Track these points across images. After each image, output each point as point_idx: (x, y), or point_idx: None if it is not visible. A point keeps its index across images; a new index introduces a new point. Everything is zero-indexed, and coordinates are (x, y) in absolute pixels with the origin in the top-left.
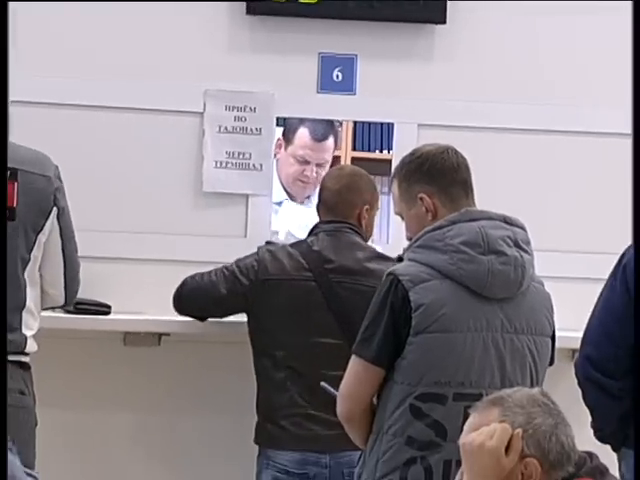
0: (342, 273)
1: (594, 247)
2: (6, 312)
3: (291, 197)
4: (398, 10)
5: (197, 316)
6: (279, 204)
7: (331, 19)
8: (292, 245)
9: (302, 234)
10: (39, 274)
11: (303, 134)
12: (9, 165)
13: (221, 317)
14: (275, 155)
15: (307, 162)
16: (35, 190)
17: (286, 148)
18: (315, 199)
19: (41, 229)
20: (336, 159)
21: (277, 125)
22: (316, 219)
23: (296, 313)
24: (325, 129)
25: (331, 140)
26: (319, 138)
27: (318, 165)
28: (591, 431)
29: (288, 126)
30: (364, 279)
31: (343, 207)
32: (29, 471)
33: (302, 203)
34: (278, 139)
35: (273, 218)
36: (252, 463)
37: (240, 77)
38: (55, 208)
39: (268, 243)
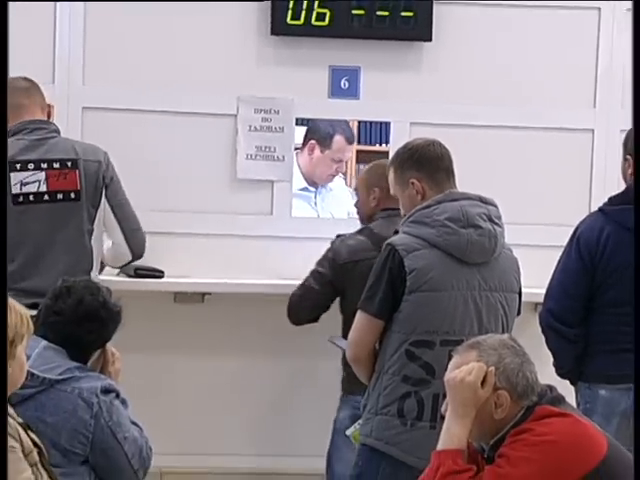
0: None
1: (554, 221)
2: (6, 312)
3: (313, 184)
4: (393, 30)
5: (310, 319)
6: (306, 190)
7: (339, 38)
8: (358, 232)
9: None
10: (104, 238)
11: (340, 140)
12: (71, 157)
13: (325, 310)
14: (308, 153)
15: (341, 160)
16: (91, 173)
17: (322, 151)
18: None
19: (98, 204)
20: None
21: (296, 124)
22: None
23: None
24: (352, 133)
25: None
26: (351, 141)
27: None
28: (551, 368)
29: (323, 134)
30: None
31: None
32: (134, 420)
33: (324, 184)
34: (311, 144)
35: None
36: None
37: (266, 86)
38: (104, 185)
39: (338, 236)
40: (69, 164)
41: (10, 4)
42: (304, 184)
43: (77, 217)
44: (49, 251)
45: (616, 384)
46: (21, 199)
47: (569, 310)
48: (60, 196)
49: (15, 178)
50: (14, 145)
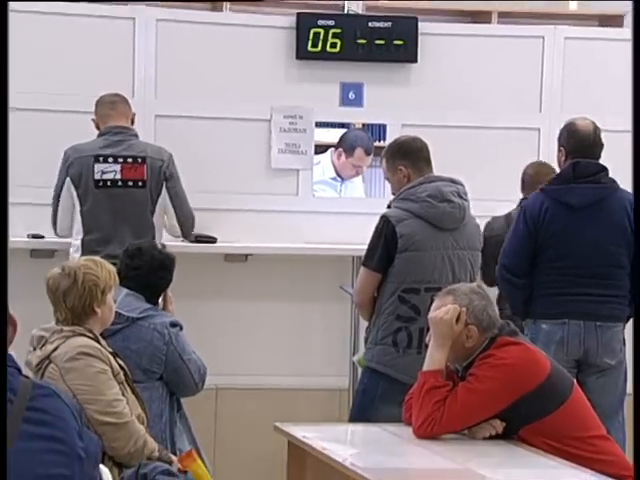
0: None
1: (508, 197)
2: (6, 311)
3: (340, 177)
4: (388, 55)
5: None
6: (334, 180)
7: (347, 61)
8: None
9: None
10: (164, 218)
11: (360, 152)
12: (141, 154)
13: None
14: (338, 157)
15: (360, 166)
16: (155, 168)
17: (347, 158)
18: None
19: (160, 192)
20: None
21: (315, 127)
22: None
23: None
24: (371, 147)
25: (372, 154)
26: (369, 152)
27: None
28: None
29: (348, 145)
30: None
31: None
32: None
33: (349, 179)
34: (339, 149)
35: (332, 188)
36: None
37: (292, 97)
38: (165, 180)
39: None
40: (139, 160)
41: (99, 36)
42: (334, 175)
43: (142, 200)
44: (121, 225)
45: (553, 319)
46: (100, 184)
47: (518, 265)
48: (130, 183)
49: (97, 168)
50: (99, 143)
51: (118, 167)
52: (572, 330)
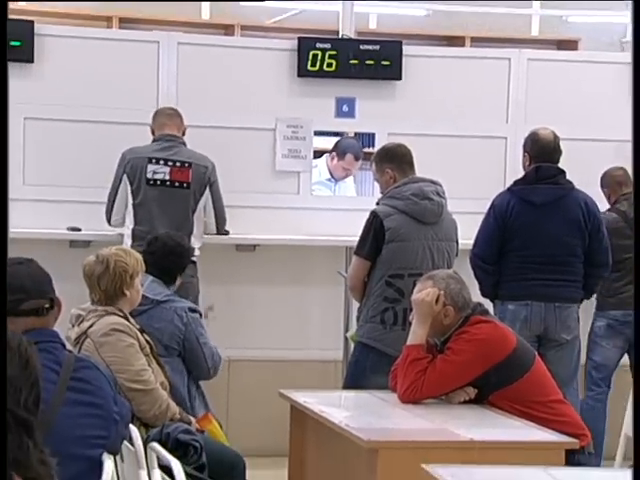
0: None
1: (480, 196)
2: (6, 311)
3: (335, 179)
4: (376, 73)
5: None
6: (329, 180)
7: (342, 78)
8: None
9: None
10: (203, 217)
11: (350, 157)
12: (187, 160)
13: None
14: (332, 161)
15: (349, 169)
16: (199, 173)
17: (338, 161)
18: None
19: (202, 194)
20: None
21: (314, 135)
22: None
23: None
24: (360, 153)
25: (360, 159)
26: (358, 158)
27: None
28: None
29: (341, 150)
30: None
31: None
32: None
33: (340, 180)
34: (332, 153)
35: (327, 188)
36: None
37: (294, 109)
38: (209, 184)
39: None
40: (186, 165)
41: (128, 57)
42: (329, 176)
43: (186, 199)
44: (163, 219)
45: (518, 301)
46: (152, 182)
47: (488, 254)
48: (177, 184)
49: (150, 168)
50: (153, 147)
51: (167, 169)
52: (534, 310)
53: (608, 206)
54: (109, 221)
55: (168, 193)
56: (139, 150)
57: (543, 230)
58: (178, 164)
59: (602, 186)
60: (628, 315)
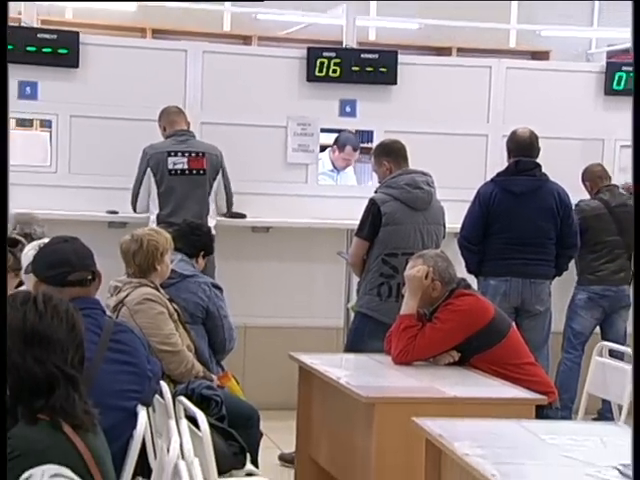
0: None
1: (465, 186)
2: (6, 311)
3: (337, 169)
4: (375, 78)
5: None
6: (332, 171)
7: (345, 83)
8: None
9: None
10: (215, 199)
11: (349, 148)
12: (201, 150)
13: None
14: (333, 153)
15: (349, 159)
16: (212, 161)
17: (340, 153)
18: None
19: (214, 178)
20: None
21: (320, 132)
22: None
23: None
24: (358, 144)
25: (358, 150)
26: (356, 149)
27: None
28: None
29: (341, 143)
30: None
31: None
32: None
33: (342, 170)
34: (334, 146)
35: (331, 179)
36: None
37: (303, 109)
38: (221, 169)
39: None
40: (200, 154)
41: (160, 63)
42: (331, 168)
43: (202, 184)
44: (186, 202)
45: (499, 277)
46: (173, 172)
47: (474, 235)
48: (194, 172)
49: (170, 160)
50: (170, 142)
51: (185, 159)
52: (513, 285)
53: (588, 197)
54: (134, 209)
55: (187, 180)
56: (158, 146)
57: (521, 216)
58: (194, 154)
59: (584, 180)
60: (606, 290)
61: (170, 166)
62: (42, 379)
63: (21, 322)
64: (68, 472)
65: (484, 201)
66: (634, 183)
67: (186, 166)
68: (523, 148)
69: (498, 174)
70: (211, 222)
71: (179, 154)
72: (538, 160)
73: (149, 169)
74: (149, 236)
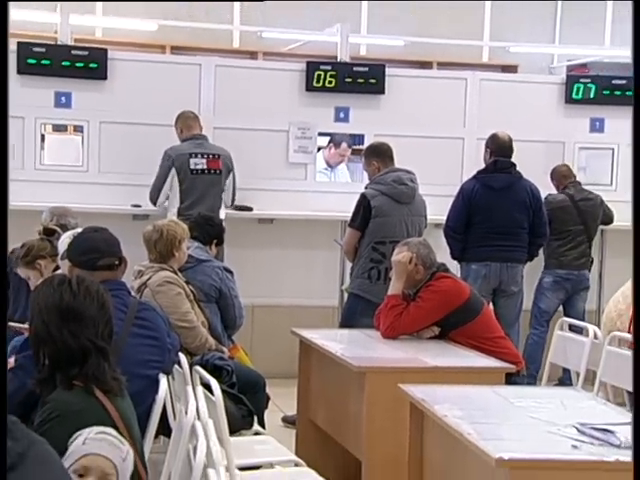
0: None
1: (444, 182)
2: (6, 311)
3: (330, 166)
4: (366, 88)
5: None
6: (326, 169)
7: (339, 92)
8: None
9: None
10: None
11: (344, 145)
12: (217, 152)
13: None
14: (329, 150)
15: (344, 156)
16: (225, 161)
17: (336, 149)
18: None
19: (227, 178)
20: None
21: (318, 135)
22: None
23: None
24: (350, 142)
25: (351, 147)
26: (350, 146)
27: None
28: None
29: (337, 141)
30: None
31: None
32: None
33: (336, 166)
34: (330, 145)
35: (326, 176)
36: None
37: (303, 116)
38: (231, 169)
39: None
40: (216, 156)
41: (178, 76)
42: (325, 166)
43: (218, 182)
44: (204, 197)
45: (480, 262)
46: (194, 172)
47: (458, 226)
48: (212, 171)
49: (191, 161)
50: (190, 144)
51: (204, 161)
52: (492, 269)
53: (555, 191)
54: (155, 203)
55: (206, 179)
56: (180, 148)
57: (499, 208)
58: (211, 156)
59: (552, 177)
60: (569, 274)
61: (192, 166)
62: (76, 350)
63: (58, 301)
64: (110, 430)
65: (467, 195)
66: (633, 183)
67: (205, 166)
68: (503, 149)
69: (479, 172)
70: (222, 215)
71: (199, 156)
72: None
73: (173, 169)
74: (168, 227)
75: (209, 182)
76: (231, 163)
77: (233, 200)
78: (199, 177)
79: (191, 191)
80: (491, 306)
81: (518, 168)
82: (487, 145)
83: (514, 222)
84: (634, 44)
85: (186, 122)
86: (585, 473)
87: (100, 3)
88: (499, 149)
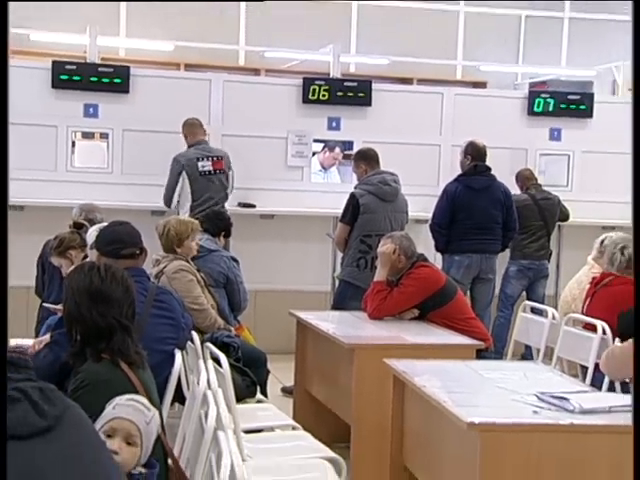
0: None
1: (424, 183)
2: (6, 310)
3: (324, 168)
4: (355, 101)
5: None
6: (320, 171)
7: (332, 104)
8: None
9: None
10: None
11: (338, 149)
12: (219, 154)
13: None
14: (324, 154)
15: (337, 159)
16: (227, 162)
17: (330, 153)
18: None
19: (228, 176)
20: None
21: (313, 142)
22: (334, 178)
23: None
24: (342, 147)
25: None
26: (342, 150)
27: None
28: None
29: (330, 146)
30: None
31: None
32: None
33: (330, 168)
34: (324, 149)
35: (320, 177)
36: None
37: (300, 125)
38: (231, 167)
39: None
40: (219, 158)
41: (192, 90)
42: (320, 168)
43: (222, 180)
44: (212, 194)
45: (462, 254)
46: (202, 173)
47: (443, 222)
48: (217, 172)
49: (199, 164)
50: (197, 149)
51: (210, 162)
52: (473, 260)
53: (519, 192)
54: (169, 205)
55: (213, 179)
56: (187, 154)
57: (479, 206)
58: (215, 158)
59: (516, 180)
60: (531, 263)
61: (200, 169)
62: (104, 328)
63: (88, 285)
64: (139, 398)
65: (451, 196)
66: (633, 183)
67: (211, 168)
68: (480, 155)
69: (460, 175)
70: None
71: (205, 159)
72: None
73: (184, 172)
74: (172, 226)
75: (216, 181)
76: (230, 162)
77: (229, 193)
78: (206, 177)
79: (200, 190)
80: (468, 292)
81: (496, 172)
82: (466, 151)
83: (491, 218)
84: (634, 44)
85: (190, 129)
86: (544, 435)
87: (124, 26)
88: (478, 155)
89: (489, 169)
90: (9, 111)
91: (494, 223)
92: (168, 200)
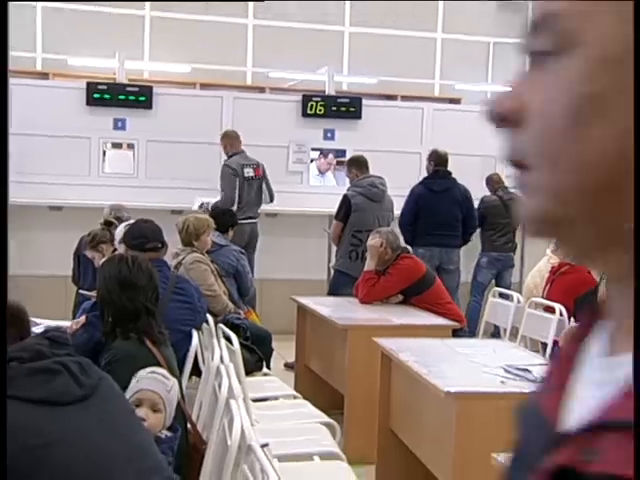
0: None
1: (404, 185)
2: (6, 310)
3: (321, 173)
4: (347, 115)
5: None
6: (318, 175)
7: (327, 117)
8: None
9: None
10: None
11: (331, 156)
12: (257, 162)
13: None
14: (320, 160)
15: (331, 164)
16: (263, 169)
17: (325, 159)
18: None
19: (265, 180)
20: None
21: (311, 150)
22: (330, 182)
23: None
24: (334, 154)
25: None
26: (335, 157)
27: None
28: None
29: (325, 153)
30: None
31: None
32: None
33: (325, 174)
34: (320, 156)
35: (318, 181)
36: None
37: (300, 135)
38: (266, 175)
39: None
40: (258, 165)
41: (205, 107)
42: (317, 173)
43: (260, 185)
44: (252, 197)
45: (426, 247)
46: (247, 179)
47: (408, 219)
48: (257, 177)
49: (244, 171)
50: (240, 158)
51: (252, 169)
52: (434, 252)
53: (489, 194)
54: (231, 205)
55: (254, 184)
56: (236, 161)
57: (440, 206)
58: (255, 165)
59: (487, 183)
60: (500, 255)
61: (245, 175)
62: (131, 311)
63: (118, 273)
64: (159, 369)
65: (415, 196)
66: (634, 183)
67: (253, 174)
68: (442, 161)
69: (425, 178)
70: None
71: (248, 166)
72: (449, 169)
73: (237, 179)
74: (190, 222)
75: (256, 186)
76: (265, 170)
77: (271, 197)
78: (249, 183)
79: (245, 194)
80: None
81: (461, 176)
82: (430, 158)
83: (451, 216)
84: (635, 44)
85: (230, 140)
86: (510, 401)
87: (147, 51)
88: (440, 161)
89: (449, 173)
90: (45, 125)
91: (454, 220)
92: (230, 202)
